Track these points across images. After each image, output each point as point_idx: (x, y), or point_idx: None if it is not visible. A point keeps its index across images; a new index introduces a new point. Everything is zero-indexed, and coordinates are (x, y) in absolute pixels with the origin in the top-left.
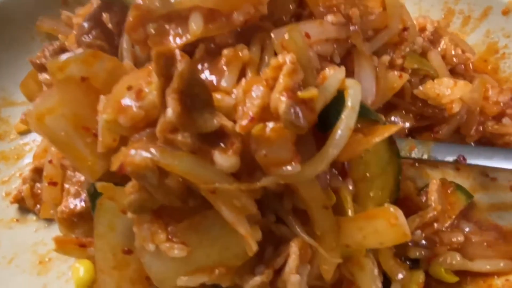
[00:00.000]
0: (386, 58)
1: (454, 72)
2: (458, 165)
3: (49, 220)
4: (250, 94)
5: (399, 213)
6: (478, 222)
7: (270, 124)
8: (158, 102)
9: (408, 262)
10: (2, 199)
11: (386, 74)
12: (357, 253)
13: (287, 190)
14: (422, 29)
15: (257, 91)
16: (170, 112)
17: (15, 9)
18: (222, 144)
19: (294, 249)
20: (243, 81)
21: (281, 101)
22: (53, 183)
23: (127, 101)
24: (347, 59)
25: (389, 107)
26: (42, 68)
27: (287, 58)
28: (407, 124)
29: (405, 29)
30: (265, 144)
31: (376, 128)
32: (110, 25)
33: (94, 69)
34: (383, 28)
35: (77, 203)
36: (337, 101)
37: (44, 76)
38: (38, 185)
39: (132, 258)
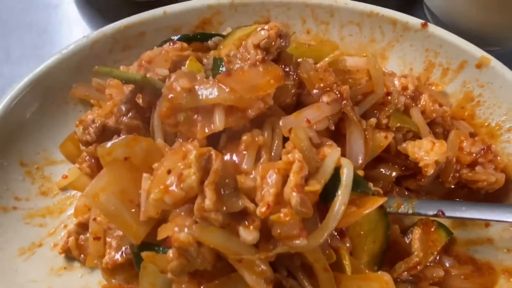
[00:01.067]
0: (373, 121)
1: (433, 123)
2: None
3: (92, 267)
4: (266, 180)
5: (389, 279)
6: (457, 256)
7: (283, 211)
8: (197, 187)
9: None
10: (51, 250)
11: (374, 135)
12: None
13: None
14: (405, 88)
15: (272, 178)
16: (207, 201)
17: (53, 78)
18: (245, 221)
19: None
20: (260, 166)
21: (292, 196)
22: (97, 238)
23: (170, 183)
24: (340, 124)
25: (377, 160)
26: (86, 143)
27: (296, 156)
28: (394, 173)
29: (388, 93)
30: (279, 225)
31: (367, 199)
32: (141, 102)
33: (135, 150)
34: (370, 92)
35: (118, 256)
36: (334, 177)
37: (86, 150)
38: (82, 237)
39: None
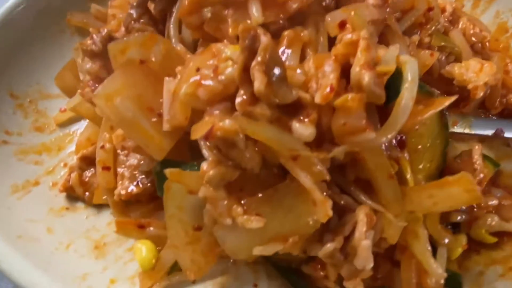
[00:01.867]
0: (416, 38)
1: (472, 50)
2: (482, 137)
3: (98, 208)
4: (322, 69)
5: (472, 178)
6: (506, 187)
7: (350, 95)
8: (238, 76)
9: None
10: (50, 189)
11: (418, 52)
12: (412, 223)
13: (350, 162)
14: (442, 10)
15: (329, 66)
16: (258, 83)
17: (46, 4)
18: (299, 116)
19: (361, 216)
20: (310, 60)
21: (364, 74)
22: (106, 168)
23: (204, 77)
24: (381, 39)
25: None
26: (92, 55)
27: (361, 34)
28: None
29: (430, 9)
30: (344, 113)
31: (433, 100)
32: (153, 10)
33: (151, 52)
34: (410, 9)
35: (133, 187)
36: (394, 77)
37: (90, 65)
38: (86, 173)
39: (202, 234)
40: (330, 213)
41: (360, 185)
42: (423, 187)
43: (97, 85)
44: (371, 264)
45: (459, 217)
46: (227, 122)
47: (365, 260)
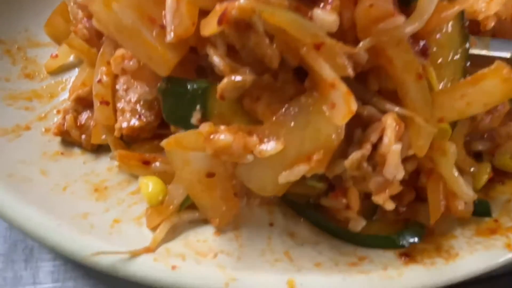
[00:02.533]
0: None
1: None
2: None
3: (97, 153)
4: None
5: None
6: None
7: None
8: None
9: None
10: (42, 135)
11: None
12: (440, 137)
13: (373, 70)
14: None
15: None
16: None
17: None
18: (319, 4)
19: (389, 121)
20: None
21: None
22: (105, 102)
23: None
24: None
25: None
26: None
27: None
28: None
29: None
30: None
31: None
32: None
33: None
34: None
35: (135, 120)
36: None
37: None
38: (81, 117)
39: (216, 180)
40: (355, 106)
41: (383, 96)
42: (454, 87)
43: (90, 22)
44: (402, 173)
45: (480, 146)
46: (242, 1)
47: (395, 168)
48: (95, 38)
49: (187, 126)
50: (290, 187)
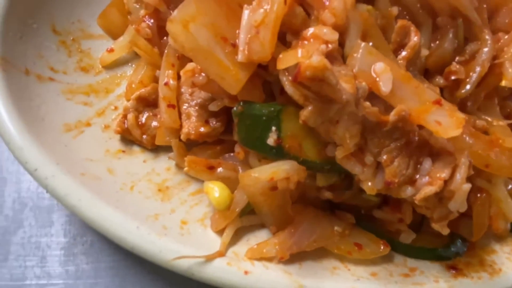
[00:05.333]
0: None
1: None
2: None
3: (155, 152)
4: None
5: None
6: None
7: None
8: None
9: None
10: (102, 131)
11: None
12: None
13: None
14: None
15: None
16: None
17: None
18: None
19: (463, 159)
20: None
21: None
22: (172, 105)
23: None
24: None
25: None
26: None
27: None
28: None
29: None
30: None
31: None
32: None
33: None
34: None
35: (203, 127)
36: None
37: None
38: (143, 116)
39: (278, 192)
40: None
41: None
42: None
43: (153, 21)
44: (466, 208)
45: None
46: (315, 59)
47: (461, 204)
48: (157, 37)
49: (263, 148)
50: (347, 198)
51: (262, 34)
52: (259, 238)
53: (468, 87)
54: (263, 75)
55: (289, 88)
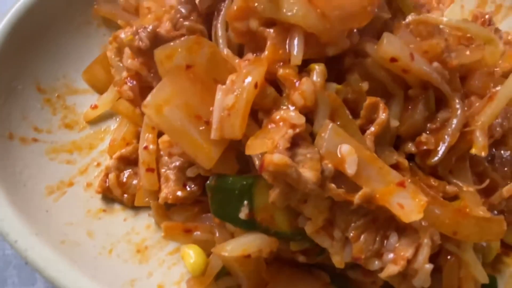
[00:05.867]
0: None
1: None
2: None
3: (135, 210)
4: None
5: None
6: None
7: None
8: None
9: None
10: (84, 190)
11: None
12: None
13: None
14: None
15: None
16: None
17: None
18: None
19: (426, 240)
20: None
21: None
22: (151, 170)
23: None
24: None
25: None
26: (138, 51)
27: None
28: None
29: None
30: None
31: None
32: (199, 5)
33: (197, 56)
34: None
35: (180, 191)
36: None
37: (131, 62)
38: (124, 174)
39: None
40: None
41: None
42: None
43: (135, 83)
44: (429, 283)
45: None
46: (276, 157)
47: (424, 282)
48: (139, 98)
49: (235, 221)
50: (324, 260)
51: (232, 118)
52: None
53: (437, 157)
54: (237, 147)
55: (263, 172)
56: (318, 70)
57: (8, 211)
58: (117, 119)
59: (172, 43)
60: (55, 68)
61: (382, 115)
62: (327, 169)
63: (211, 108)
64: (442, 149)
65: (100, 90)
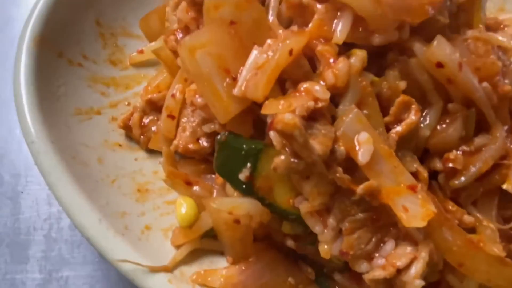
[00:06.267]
0: None
1: None
2: None
3: (149, 154)
4: None
5: None
6: None
7: None
8: None
9: None
10: (109, 122)
11: None
12: None
13: None
14: None
15: None
16: None
17: None
18: None
19: (423, 254)
20: None
21: None
22: (172, 116)
23: None
24: None
25: None
26: (192, 3)
27: None
28: None
29: None
30: None
31: None
32: None
33: (243, 15)
34: None
35: (192, 143)
36: None
37: (183, 14)
38: (147, 118)
39: (241, 226)
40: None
41: None
42: None
43: (182, 35)
44: None
45: None
46: (287, 116)
47: None
48: None
49: (234, 180)
50: (310, 253)
51: (258, 77)
52: (214, 264)
53: (463, 179)
54: (257, 112)
55: (271, 131)
56: (359, 55)
57: (35, 115)
58: (158, 69)
59: None
60: (117, 9)
61: (413, 117)
62: (339, 151)
63: (241, 68)
64: (470, 171)
65: (151, 39)
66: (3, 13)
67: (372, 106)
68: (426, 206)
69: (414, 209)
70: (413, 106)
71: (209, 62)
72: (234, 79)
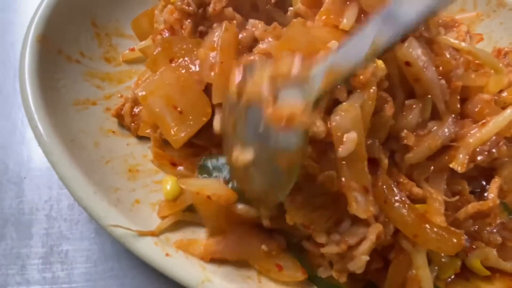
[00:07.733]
0: None
1: None
2: None
3: (139, 140)
4: None
5: None
6: None
7: None
8: None
9: None
10: (103, 112)
11: None
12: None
13: None
14: None
15: None
16: None
17: None
18: None
19: (371, 236)
20: None
21: None
22: None
23: None
24: None
25: None
26: (183, 13)
27: None
28: None
29: None
30: None
31: None
32: None
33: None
34: None
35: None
36: None
37: (168, 16)
38: (137, 108)
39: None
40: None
41: None
42: None
43: (168, 35)
44: (361, 271)
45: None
46: None
47: (358, 268)
48: None
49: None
50: (281, 224)
51: None
52: (195, 235)
53: (414, 154)
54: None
55: None
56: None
57: (38, 103)
58: None
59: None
60: (111, 11)
61: (388, 113)
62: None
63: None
64: (420, 148)
65: (142, 39)
66: (3, 19)
67: (370, 109)
68: (370, 206)
69: (362, 203)
70: (389, 103)
71: (159, 103)
72: (181, 113)
